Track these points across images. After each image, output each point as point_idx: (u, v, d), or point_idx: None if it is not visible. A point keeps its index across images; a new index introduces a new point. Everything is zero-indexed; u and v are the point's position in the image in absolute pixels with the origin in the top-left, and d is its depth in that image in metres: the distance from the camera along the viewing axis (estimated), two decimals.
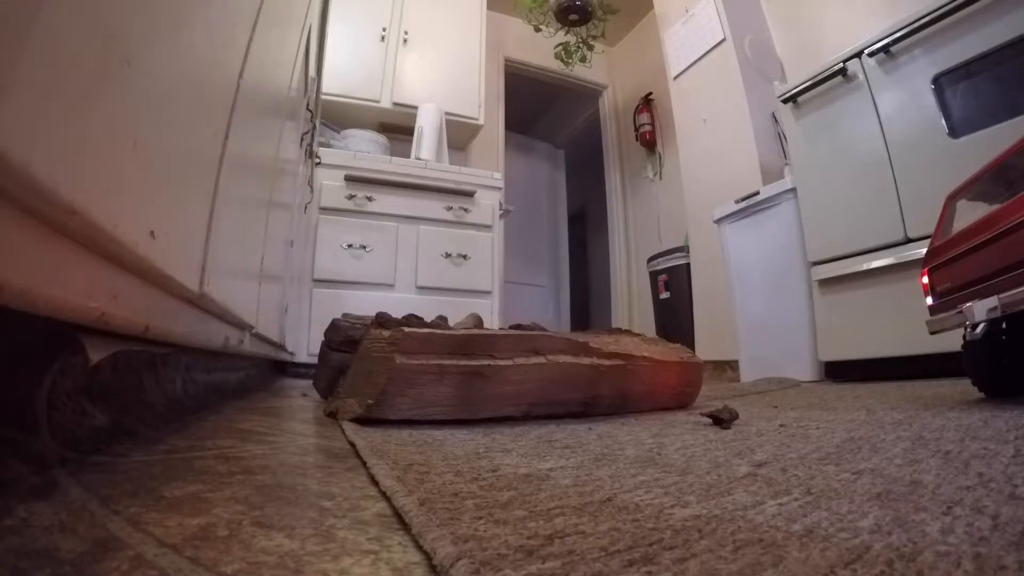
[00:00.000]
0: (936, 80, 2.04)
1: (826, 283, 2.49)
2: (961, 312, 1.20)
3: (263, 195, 1.38)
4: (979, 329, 1.22)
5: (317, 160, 2.87)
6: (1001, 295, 1.06)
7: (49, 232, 0.39)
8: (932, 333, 1.36)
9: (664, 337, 1.84)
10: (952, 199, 1.45)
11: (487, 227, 3.23)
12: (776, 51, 3.37)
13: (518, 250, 4.96)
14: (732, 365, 3.08)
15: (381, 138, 3.41)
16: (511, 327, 1.49)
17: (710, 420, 1.07)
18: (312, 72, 2.32)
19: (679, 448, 0.80)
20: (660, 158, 4.54)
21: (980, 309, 1.14)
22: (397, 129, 3.61)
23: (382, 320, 1.24)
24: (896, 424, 1.03)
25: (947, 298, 1.31)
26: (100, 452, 0.58)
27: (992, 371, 1.36)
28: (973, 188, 1.39)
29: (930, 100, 2.05)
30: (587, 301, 6.26)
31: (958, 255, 1.28)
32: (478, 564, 0.32)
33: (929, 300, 1.40)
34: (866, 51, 2.26)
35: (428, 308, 2.23)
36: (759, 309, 2.81)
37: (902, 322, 2.12)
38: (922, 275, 1.42)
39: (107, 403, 0.66)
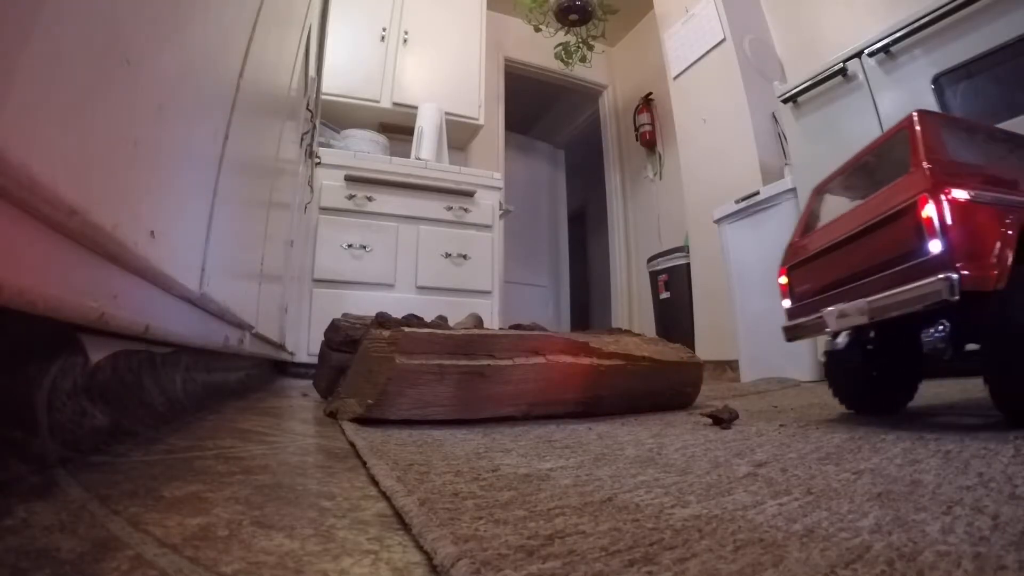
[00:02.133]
0: (936, 80, 2.04)
1: None
2: (821, 318, 1.08)
3: (263, 195, 1.38)
4: (841, 338, 1.10)
5: (317, 160, 2.87)
6: (870, 299, 0.94)
7: (49, 232, 0.39)
8: (789, 340, 1.22)
9: (664, 337, 1.84)
10: (818, 192, 1.33)
11: (487, 227, 3.23)
12: (776, 51, 3.37)
13: (518, 250, 4.96)
14: (732, 365, 3.07)
15: (381, 138, 3.41)
16: (511, 327, 1.49)
17: (710, 420, 1.07)
18: (312, 72, 2.32)
19: (679, 448, 0.80)
20: (660, 158, 4.54)
21: (842, 314, 1.02)
22: (397, 129, 3.61)
23: (382, 320, 1.24)
24: (896, 423, 1.03)
25: (806, 301, 1.18)
26: (100, 452, 0.58)
27: (857, 384, 1.19)
28: (838, 181, 1.28)
29: (930, 100, 2.05)
30: (587, 301, 6.26)
31: (819, 253, 1.16)
32: (479, 564, 0.32)
33: (786, 303, 1.26)
34: (866, 51, 2.26)
35: (428, 308, 2.23)
36: (759, 309, 2.81)
37: None
38: (780, 274, 1.29)
39: (107, 403, 0.66)
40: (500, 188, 3.37)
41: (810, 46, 2.94)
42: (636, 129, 4.71)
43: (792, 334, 1.21)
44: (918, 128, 0.97)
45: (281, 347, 2.18)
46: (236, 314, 1.06)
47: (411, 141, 3.38)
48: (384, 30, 3.55)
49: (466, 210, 3.18)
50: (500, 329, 1.45)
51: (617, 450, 0.78)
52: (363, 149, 3.22)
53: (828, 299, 1.09)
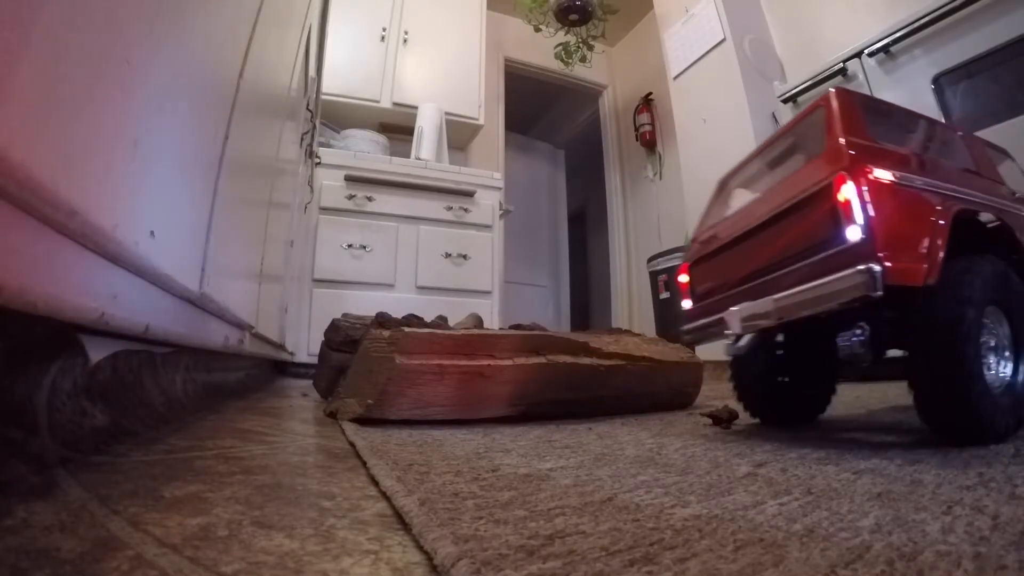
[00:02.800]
0: (936, 80, 2.04)
1: None
2: (722, 320, 0.96)
3: (263, 195, 1.38)
4: (744, 341, 0.99)
5: (317, 160, 2.87)
6: (777, 297, 0.82)
7: (49, 232, 0.39)
8: (688, 345, 1.10)
9: (664, 337, 1.84)
10: (725, 182, 1.20)
11: (487, 227, 3.23)
12: (776, 51, 3.37)
13: (518, 250, 4.96)
14: None
15: (381, 138, 3.41)
16: (511, 327, 1.49)
17: (710, 420, 1.07)
18: (312, 72, 2.32)
19: (679, 448, 0.80)
20: (660, 158, 4.54)
21: (746, 315, 0.90)
22: (397, 129, 3.61)
23: (382, 320, 1.24)
24: (895, 423, 1.03)
25: (708, 301, 1.06)
26: (100, 452, 0.58)
27: (764, 392, 1.07)
28: (748, 168, 1.15)
29: (930, 100, 2.05)
30: (587, 301, 6.26)
31: (722, 247, 1.03)
32: (479, 564, 0.32)
33: (686, 303, 1.13)
34: (866, 51, 2.26)
35: (428, 308, 2.23)
36: None
37: None
38: (679, 271, 1.17)
39: (107, 403, 0.66)
40: (500, 188, 3.37)
41: (810, 46, 2.94)
42: (636, 129, 4.71)
43: (691, 337, 1.09)
44: (835, 104, 0.86)
45: (281, 347, 2.18)
46: (236, 314, 1.06)
47: (411, 141, 3.38)
48: (384, 30, 3.55)
49: (466, 210, 3.18)
50: (500, 329, 1.45)
51: (617, 450, 0.78)
52: (363, 149, 3.22)
53: (732, 298, 0.96)
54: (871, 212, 0.72)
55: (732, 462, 0.67)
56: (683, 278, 1.15)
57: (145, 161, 0.54)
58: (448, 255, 3.10)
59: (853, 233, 0.72)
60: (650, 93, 4.68)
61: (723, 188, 1.20)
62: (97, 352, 0.61)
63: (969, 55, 1.94)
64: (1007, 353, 0.79)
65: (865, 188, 0.73)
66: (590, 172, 5.81)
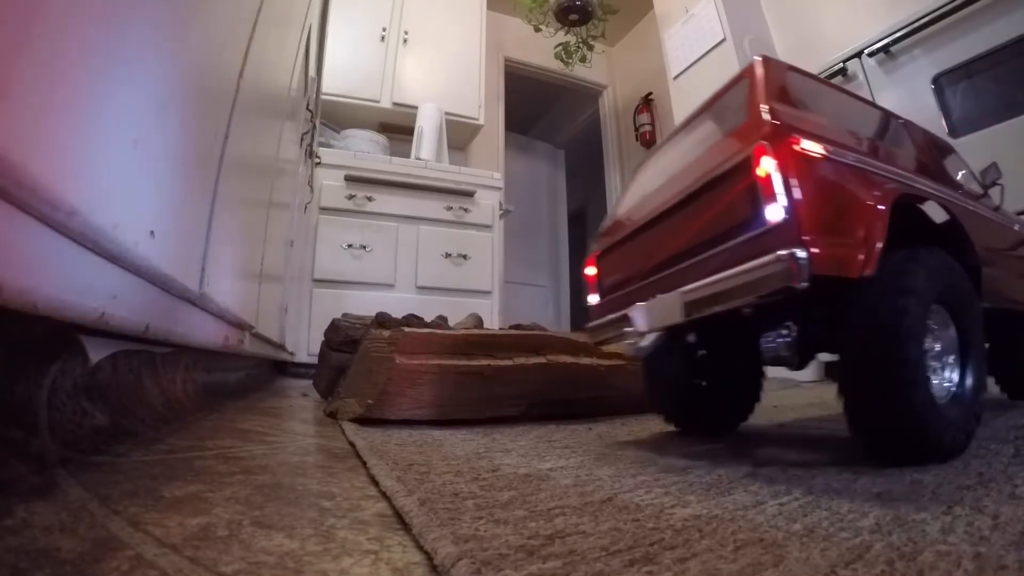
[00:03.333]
0: (936, 80, 2.04)
1: None
2: (626, 317, 0.84)
3: (263, 195, 1.38)
4: (648, 341, 0.88)
5: (317, 160, 2.87)
6: (686, 290, 0.71)
7: (49, 232, 0.39)
8: (595, 344, 0.98)
9: None
10: (643, 164, 1.08)
11: (487, 227, 3.23)
12: (776, 51, 3.37)
13: (518, 250, 4.96)
14: None
15: (381, 138, 3.41)
16: (511, 327, 1.49)
17: None
18: (312, 72, 2.32)
19: (679, 448, 0.80)
20: None
21: (651, 312, 0.79)
22: (397, 129, 3.61)
23: (382, 320, 1.24)
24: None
25: (615, 295, 0.94)
26: (100, 452, 0.58)
27: (678, 397, 0.96)
28: (665, 148, 1.02)
29: (930, 100, 2.05)
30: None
31: (631, 234, 0.91)
32: (479, 564, 0.32)
33: (592, 298, 1.02)
34: (866, 51, 2.26)
35: (428, 308, 2.23)
36: None
37: None
38: (586, 263, 1.04)
39: (107, 403, 0.66)
40: (500, 188, 3.37)
41: (810, 46, 2.93)
42: (636, 129, 4.71)
43: (596, 336, 0.97)
44: (760, 72, 0.75)
45: (281, 347, 2.18)
46: (236, 314, 1.06)
47: (411, 141, 3.38)
48: (384, 30, 3.55)
49: (466, 210, 3.18)
50: (500, 329, 1.45)
51: (617, 450, 0.78)
52: (363, 149, 3.22)
53: (639, 292, 0.84)
54: (796, 189, 0.60)
55: (732, 462, 0.67)
56: (589, 271, 1.03)
57: (145, 161, 0.54)
58: (448, 255, 3.10)
59: (774, 213, 0.60)
60: (650, 93, 4.68)
61: (640, 171, 1.07)
62: (97, 352, 0.61)
63: (969, 55, 1.94)
64: (953, 359, 0.69)
65: (790, 160, 0.61)
66: (590, 172, 5.80)
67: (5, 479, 0.43)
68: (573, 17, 3.99)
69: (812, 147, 0.64)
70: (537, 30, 4.10)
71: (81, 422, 0.58)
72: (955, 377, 0.69)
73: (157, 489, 0.47)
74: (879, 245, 0.61)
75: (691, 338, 0.92)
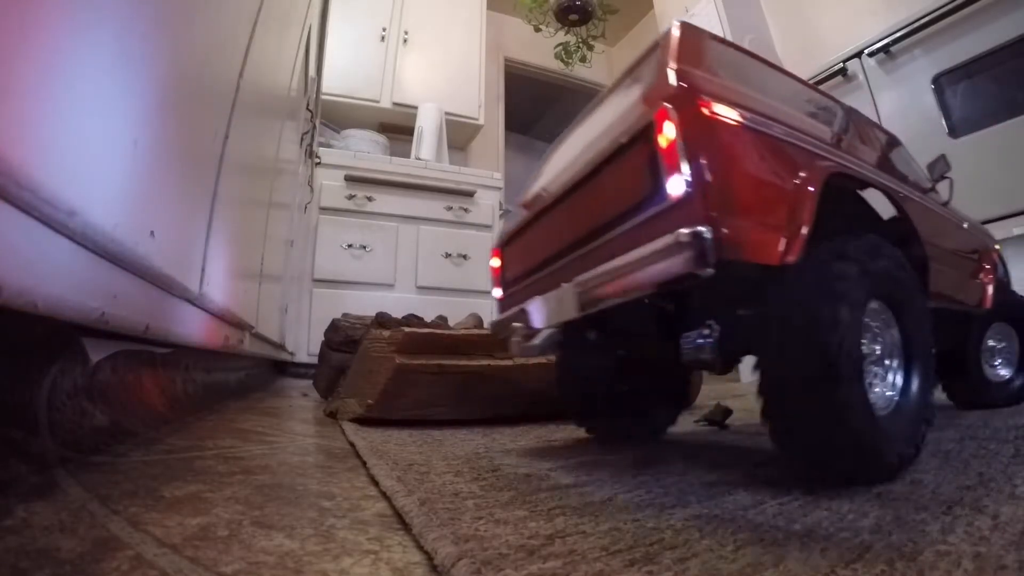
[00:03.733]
0: (936, 80, 2.04)
1: None
2: (523, 312, 0.76)
3: (263, 195, 1.38)
4: (539, 340, 0.77)
5: (317, 160, 2.87)
6: (578, 280, 0.62)
7: (49, 232, 0.39)
8: (502, 342, 0.88)
9: None
10: (553, 147, 0.98)
11: (487, 227, 3.23)
12: (776, 51, 3.37)
13: None
14: None
15: (381, 138, 3.41)
16: None
17: (706, 422, 1.07)
18: (312, 72, 2.32)
19: (679, 448, 0.80)
20: None
21: (546, 306, 0.71)
22: (397, 129, 3.61)
23: (382, 320, 1.24)
24: None
25: (516, 288, 0.87)
26: (100, 452, 0.58)
27: (591, 400, 0.88)
28: (572, 131, 0.94)
29: (930, 100, 2.05)
30: None
31: (533, 219, 0.83)
32: (479, 564, 0.32)
33: (496, 292, 0.95)
34: (866, 51, 2.26)
35: (428, 308, 2.23)
36: None
37: None
38: (492, 255, 0.97)
39: (107, 403, 0.66)
40: (500, 188, 3.37)
41: (810, 46, 2.93)
42: None
43: (498, 333, 0.89)
44: (674, 35, 0.66)
45: (281, 347, 2.18)
46: (236, 314, 1.06)
47: (411, 141, 3.38)
48: (384, 30, 3.55)
49: (466, 210, 3.18)
50: None
51: (617, 450, 0.78)
52: (363, 149, 3.22)
53: (538, 284, 0.76)
54: (704, 158, 0.51)
55: (732, 462, 0.67)
56: (494, 262, 0.96)
57: (145, 161, 0.54)
58: (448, 255, 3.10)
59: (675, 186, 0.51)
60: None
61: (551, 151, 0.98)
62: (97, 352, 0.61)
63: (969, 55, 1.94)
64: (897, 363, 0.61)
65: (697, 125, 0.53)
66: None
67: (5, 479, 0.43)
68: (573, 17, 3.99)
69: (726, 112, 0.56)
70: (537, 30, 4.10)
71: (81, 422, 0.58)
72: (899, 384, 0.61)
73: (157, 489, 0.47)
74: (805, 229, 0.54)
75: (591, 335, 0.81)
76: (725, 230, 0.49)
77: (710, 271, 0.48)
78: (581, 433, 0.96)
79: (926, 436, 0.59)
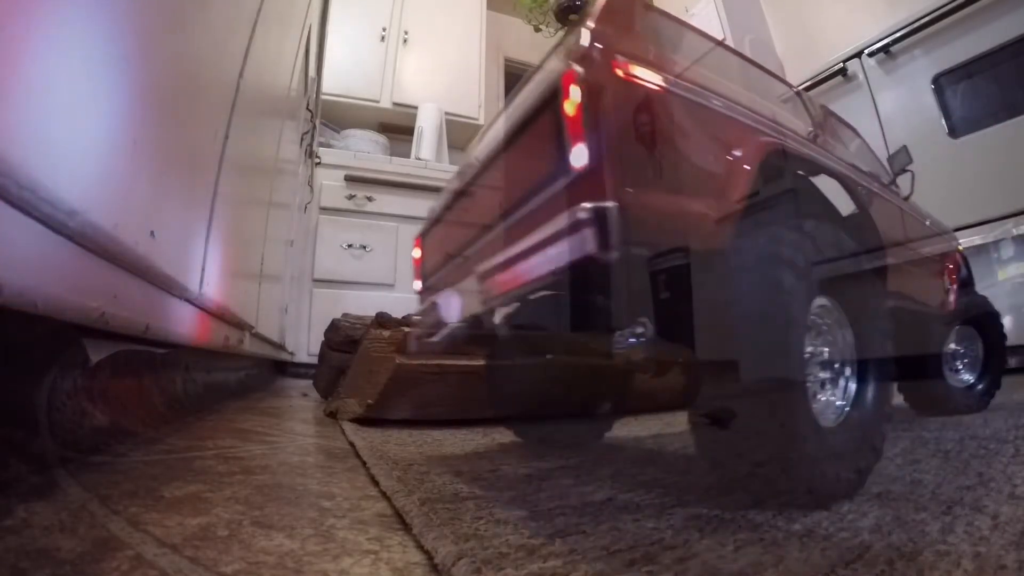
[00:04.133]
0: (936, 80, 2.04)
1: None
2: (435, 307, 0.71)
3: (263, 195, 1.38)
4: (441, 335, 0.69)
5: (317, 160, 2.87)
6: (483, 270, 0.55)
7: (49, 232, 0.39)
8: (418, 338, 0.82)
9: (663, 339, 1.84)
10: (484, 132, 0.89)
11: None
12: (776, 51, 3.37)
13: None
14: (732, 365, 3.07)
15: (381, 138, 3.41)
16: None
17: (708, 420, 1.07)
18: (312, 72, 2.32)
19: (679, 448, 0.80)
20: None
21: (457, 299, 0.64)
22: (397, 129, 3.61)
23: (382, 320, 1.24)
24: (895, 423, 1.03)
25: (433, 280, 0.81)
26: (100, 452, 0.58)
27: (521, 404, 0.85)
28: (503, 112, 0.80)
29: (930, 100, 2.05)
30: None
31: (448, 209, 0.78)
32: (479, 563, 0.32)
33: (416, 284, 0.90)
34: (866, 51, 2.26)
35: None
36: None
37: None
38: (414, 244, 0.91)
39: (107, 403, 0.66)
40: None
41: (810, 46, 2.93)
42: None
43: (418, 331, 0.84)
44: (602, 1, 0.58)
45: (281, 347, 2.18)
46: (236, 314, 1.06)
47: (411, 141, 3.38)
48: (384, 30, 3.55)
49: None
50: None
51: (617, 450, 0.78)
52: (363, 149, 3.22)
53: (450, 274, 0.71)
54: (614, 123, 0.44)
55: (732, 462, 0.67)
56: (415, 253, 0.90)
57: (145, 161, 0.54)
58: None
59: (578, 156, 0.43)
60: None
61: (481, 132, 0.89)
62: (97, 352, 0.61)
63: (969, 55, 1.94)
64: (849, 370, 0.54)
65: (606, 87, 0.45)
66: None
67: (5, 479, 0.43)
68: (573, 17, 3.98)
69: (647, 76, 0.48)
70: (537, 30, 4.09)
71: (81, 422, 0.58)
72: (851, 392, 0.53)
73: (157, 489, 0.47)
74: (737, 208, 0.47)
75: (502, 331, 0.73)
76: (638, 208, 0.42)
77: (615, 255, 0.40)
78: (581, 433, 0.96)
79: (877, 459, 0.51)
